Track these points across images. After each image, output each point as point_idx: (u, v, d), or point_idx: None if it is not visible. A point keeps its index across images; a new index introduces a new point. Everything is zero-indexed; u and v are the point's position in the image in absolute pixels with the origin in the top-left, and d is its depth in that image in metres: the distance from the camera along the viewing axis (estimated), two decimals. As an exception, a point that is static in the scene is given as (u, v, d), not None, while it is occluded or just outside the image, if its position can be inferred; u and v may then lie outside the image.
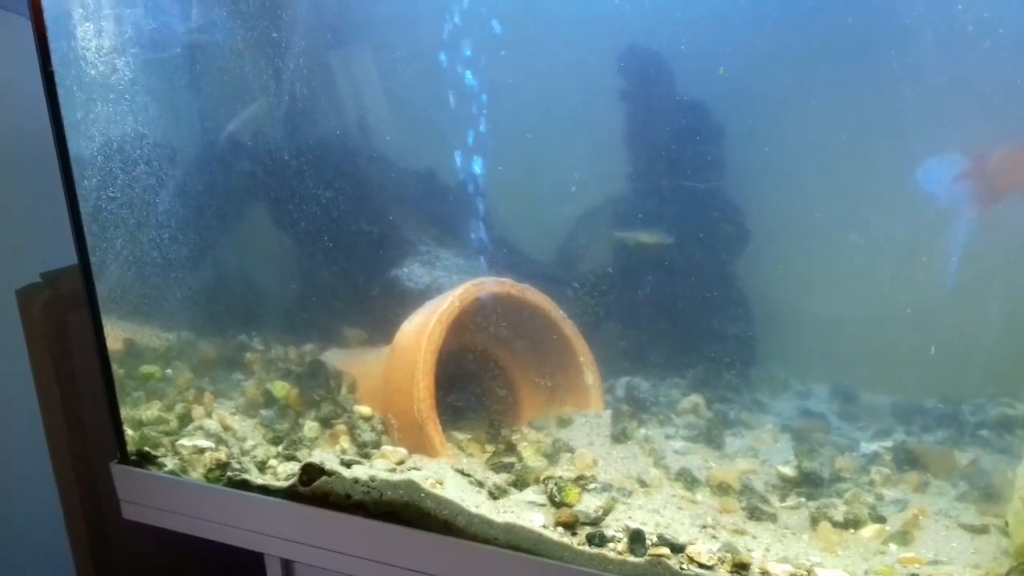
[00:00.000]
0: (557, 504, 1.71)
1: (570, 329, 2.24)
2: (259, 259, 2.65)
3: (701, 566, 1.51)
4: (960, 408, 2.15)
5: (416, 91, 2.38)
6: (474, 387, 2.27)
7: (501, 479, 1.85)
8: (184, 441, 2.06)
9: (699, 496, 1.83)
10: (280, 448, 2.05)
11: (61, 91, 1.86)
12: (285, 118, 2.41)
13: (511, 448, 2.01)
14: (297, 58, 2.36)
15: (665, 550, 1.54)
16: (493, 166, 2.17)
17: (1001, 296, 1.88)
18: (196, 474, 1.99)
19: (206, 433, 2.10)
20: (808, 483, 1.86)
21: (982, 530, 1.66)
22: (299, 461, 1.93)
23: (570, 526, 1.64)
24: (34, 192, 2.55)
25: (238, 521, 1.92)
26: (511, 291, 2.16)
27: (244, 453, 2.04)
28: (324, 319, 2.50)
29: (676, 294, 2.26)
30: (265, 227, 2.55)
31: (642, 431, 2.15)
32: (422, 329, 2.01)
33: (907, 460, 1.96)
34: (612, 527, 1.64)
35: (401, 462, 1.90)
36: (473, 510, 1.67)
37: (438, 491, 1.71)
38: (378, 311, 2.33)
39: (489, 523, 1.65)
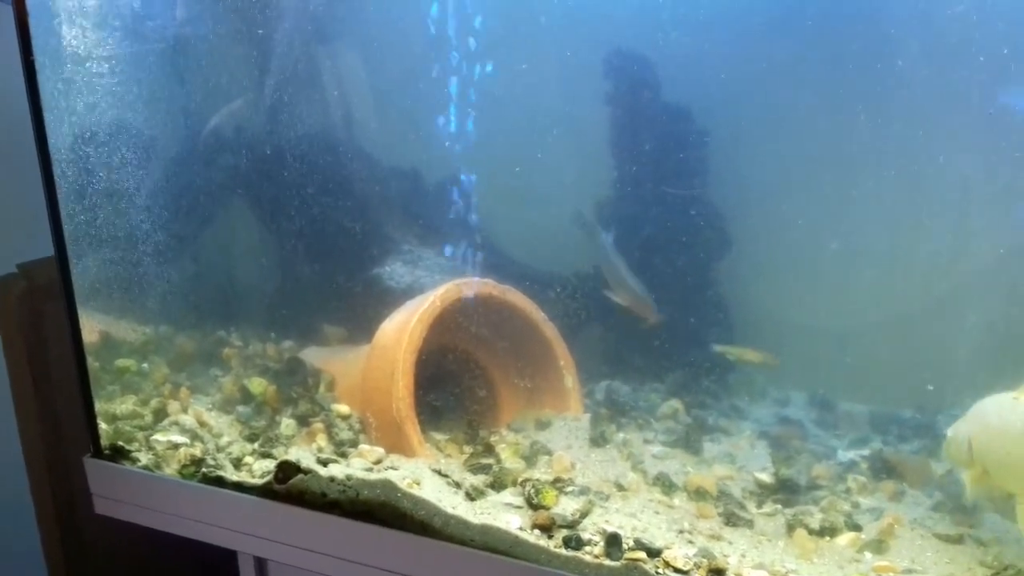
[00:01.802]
0: (534, 506, 1.70)
1: (551, 331, 2.23)
2: (240, 254, 2.64)
3: (677, 571, 1.51)
4: (936, 419, 2.16)
5: (401, 89, 2.37)
6: (453, 388, 2.26)
7: (479, 480, 1.84)
8: (159, 436, 2.04)
9: (676, 501, 1.83)
10: (256, 445, 2.03)
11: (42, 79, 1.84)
12: (269, 114, 2.39)
13: (489, 449, 2.00)
14: (280, 54, 2.34)
15: (641, 554, 1.54)
16: (478, 167, 2.17)
17: (978, 307, 1.90)
18: (170, 470, 1.97)
19: (181, 429, 2.08)
20: (785, 490, 1.87)
21: (957, 540, 1.67)
22: (275, 459, 1.91)
23: (547, 529, 1.64)
24: (10, 182, 2.51)
25: (212, 518, 1.90)
26: (493, 292, 2.15)
27: (220, 450, 2.02)
28: (304, 316, 2.49)
29: (657, 298, 2.26)
30: (246, 222, 2.54)
31: (620, 435, 2.15)
32: (403, 328, 2.00)
33: (883, 469, 1.97)
34: (589, 530, 1.64)
35: (378, 461, 1.89)
36: (450, 511, 1.66)
37: (415, 491, 1.70)
38: (359, 309, 2.32)
39: (466, 524, 1.64)
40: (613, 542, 1.57)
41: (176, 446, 2.01)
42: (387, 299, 2.24)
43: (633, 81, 2.23)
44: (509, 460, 1.96)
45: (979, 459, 1.63)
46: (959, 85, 1.80)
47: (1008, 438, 1.58)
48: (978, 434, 1.63)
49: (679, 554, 1.54)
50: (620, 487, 1.87)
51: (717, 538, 1.66)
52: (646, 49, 2.18)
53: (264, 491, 1.83)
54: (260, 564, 1.99)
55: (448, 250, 2.32)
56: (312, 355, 2.33)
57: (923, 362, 1.92)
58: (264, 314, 2.57)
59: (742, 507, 1.80)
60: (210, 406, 2.23)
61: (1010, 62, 1.76)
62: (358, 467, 1.82)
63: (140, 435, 2.07)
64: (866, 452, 2.07)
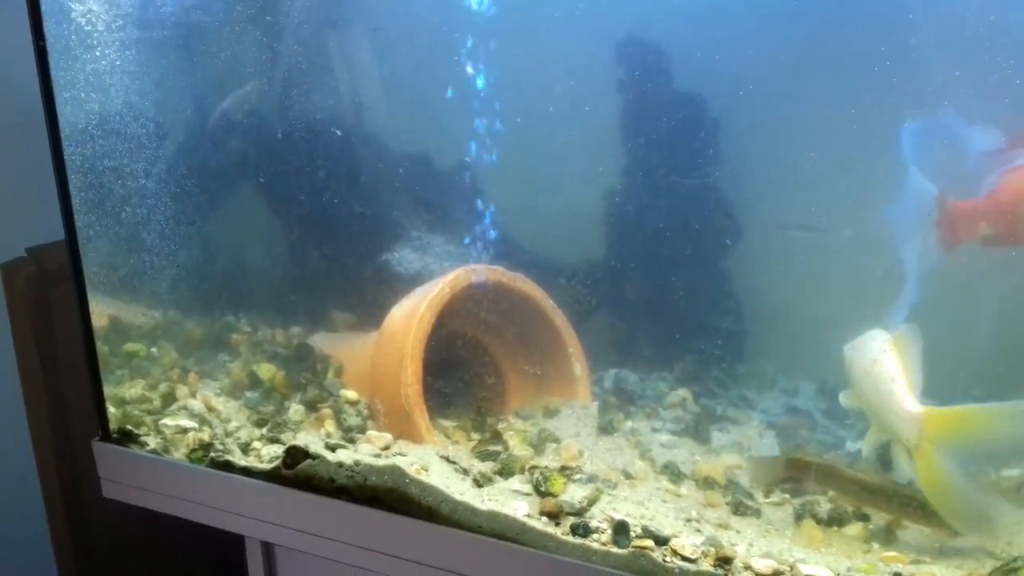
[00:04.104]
0: (542, 493, 1.70)
1: (560, 319, 2.23)
2: (249, 239, 2.63)
3: (684, 559, 1.51)
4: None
5: (413, 74, 2.37)
6: (462, 374, 2.26)
7: (486, 467, 1.84)
8: (167, 421, 2.04)
9: (684, 490, 1.83)
10: (264, 430, 2.03)
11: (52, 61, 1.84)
12: (279, 98, 2.39)
13: (497, 436, 2.00)
14: (291, 37, 2.34)
15: (649, 542, 1.54)
16: (489, 153, 2.16)
17: (992, 296, 1.88)
18: (178, 454, 1.97)
19: (190, 413, 2.09)
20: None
21: (965, 530, 1.66)
22: (283, 444, 1.91)
23: (554, 516, 1.64)
24: (19, 166, 2.52)
25: (219, 502, 1.90)
26: (502, 279, 2.15)
27: (228, 434, 2.02)
28: (313, 302, 2.49)
29: (667, 287, 2.26)
30: (256, 207, 2.53)
31: (629, 423, 2.15)
32: (411, 314, 2.00)
33: (892, 459, 1.96)
34: (596, 518, 1.64)
35: (386, 447, 1.89)
36: (457, 497, 1.66)
37: (423, 477, 1.70)
38: (367, 295, 2.32)
39: (473, 511, 1.64)
40: (621, 530, 1.57)
41: (184, 430, 2.01)
42: (396, 285, 2.24)
43: (646, 68, 2.22)
44: (517, 447, 1.96)
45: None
46: (974, 74, 1.79)
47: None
48: None
49: (687, 542, 1.53)
50: (628, 475, 1.86)
51: (725, 527, 1.66)
52: (659, 36, 2.16)
53: (272, 476, 1.83)
54: (267, 549, 1.99)
55: (457, 237, 2.32)
56: (321, 341, 2.33)
57: (932, 353, 1.90)
58: (273, 300, 2.57)
59: (750, 496, 1.80)
60: (218, 391, 2.23)
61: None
62: (366, 453, 1.82)
63: (148, 419, 2.07)
64: (874, 442, 2.07)
